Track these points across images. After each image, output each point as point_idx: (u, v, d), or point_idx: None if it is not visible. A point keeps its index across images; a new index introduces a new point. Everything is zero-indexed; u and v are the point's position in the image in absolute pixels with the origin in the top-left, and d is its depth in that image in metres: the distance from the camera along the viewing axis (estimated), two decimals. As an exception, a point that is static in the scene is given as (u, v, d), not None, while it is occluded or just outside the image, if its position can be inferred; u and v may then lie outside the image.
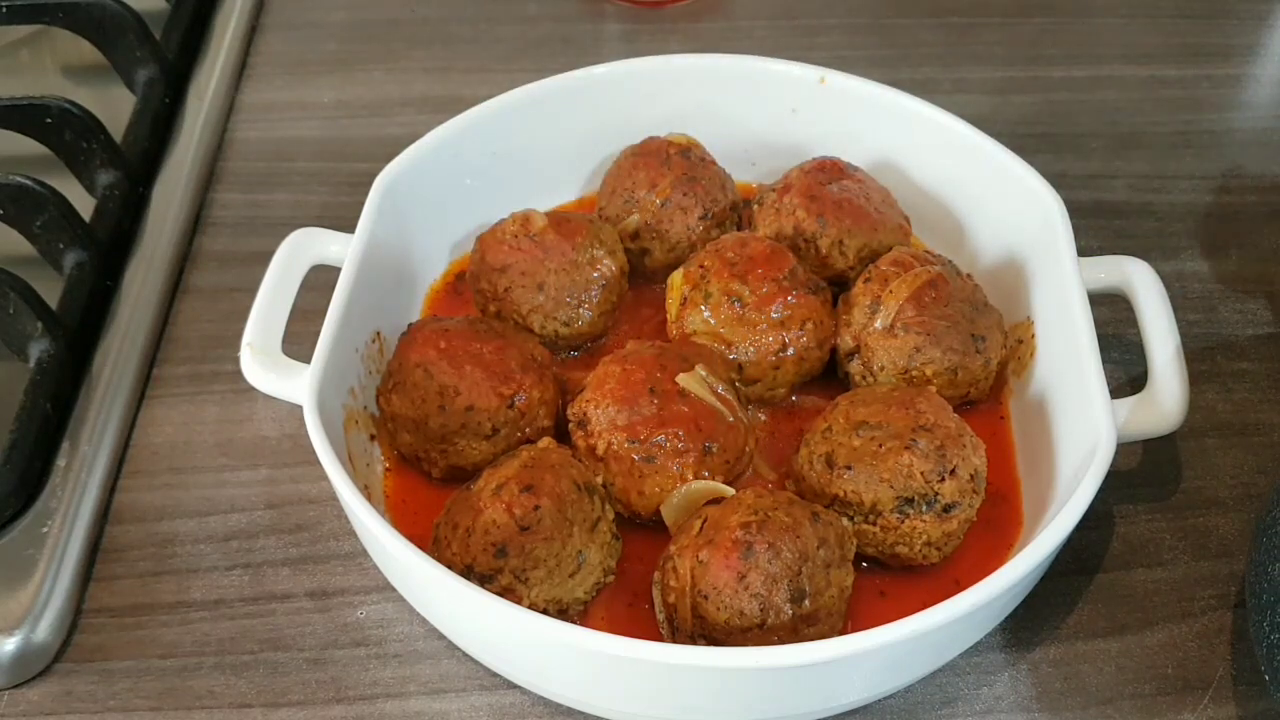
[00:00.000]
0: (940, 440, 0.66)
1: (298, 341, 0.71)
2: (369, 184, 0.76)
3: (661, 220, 0.80)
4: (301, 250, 0.75)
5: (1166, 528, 0.74)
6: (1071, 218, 0.75)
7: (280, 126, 1.00)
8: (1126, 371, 0.80)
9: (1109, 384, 0.67)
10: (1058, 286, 0.73)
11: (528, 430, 0.71)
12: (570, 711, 0.65)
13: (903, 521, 0.65)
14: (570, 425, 0.70)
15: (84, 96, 0.90)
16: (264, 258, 0.74)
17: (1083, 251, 0.74)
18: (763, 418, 0.76)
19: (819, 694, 0.61)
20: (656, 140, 0.83)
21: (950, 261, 0.77)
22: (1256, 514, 0.72)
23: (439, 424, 0.69)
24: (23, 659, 0.66)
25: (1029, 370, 0.75)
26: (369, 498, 0.63)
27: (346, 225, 0.75)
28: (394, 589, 0.68)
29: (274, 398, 0.70)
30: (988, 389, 0.75)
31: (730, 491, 0.67)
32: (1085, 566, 0.72)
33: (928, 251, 0.78)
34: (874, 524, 0.66)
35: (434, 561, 0.59)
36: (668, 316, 0.76)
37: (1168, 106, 1.03)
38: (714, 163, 0.84)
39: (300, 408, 0.65)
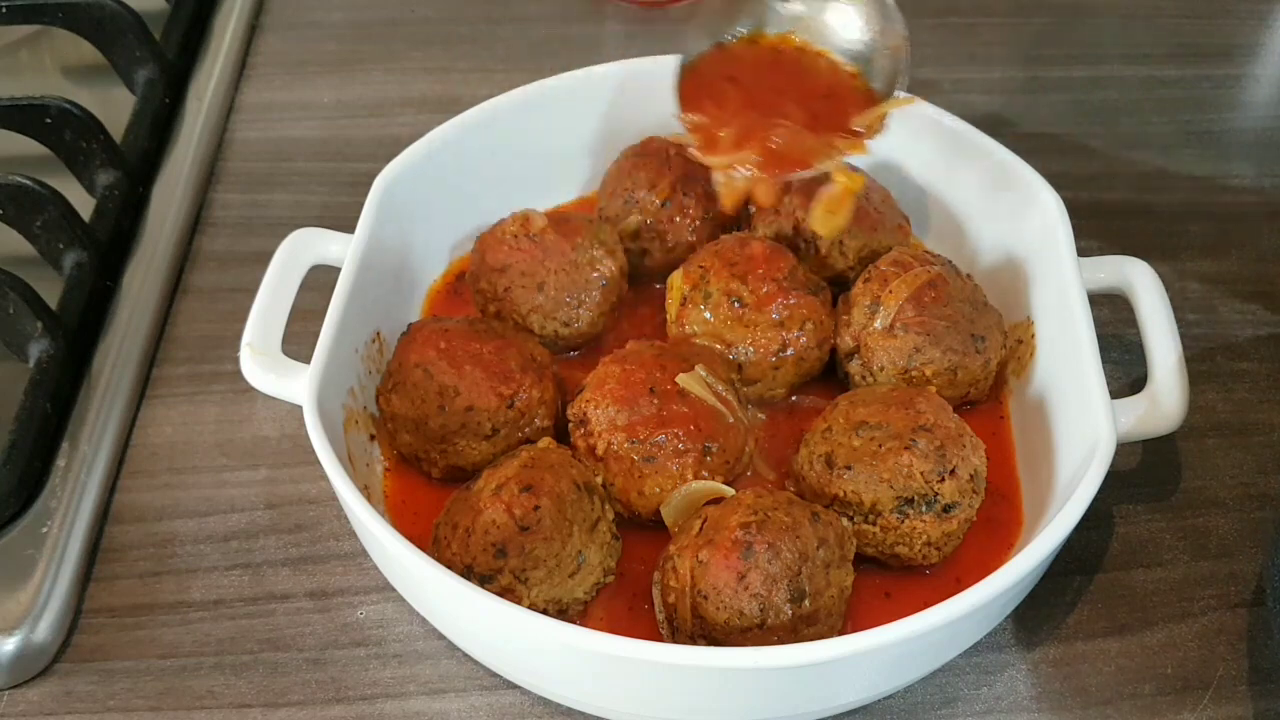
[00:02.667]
0: (940, 440, 0.66)
1: (298, 341, 0.71)
2: (369, 184, 0.76)
3: (661, 220, 0.80)
4: (301, 250, 0.75)
5: (1166, 528, 0.74)
6: (1071, 218, 0.75)
7: (280, 126, 1.00)
8: (1126, 371, 0.80)
9: (1109, 384, 0.67)
10: (1058, 286, 0.73)
11: (527, 430, 0.71)
12: (570, 711, 0.65)
13: (903, 521, 0.65)
14: (570, 425, 0.70)
15: (84, 96, 0.90)
16: (264, 258, 0.74)
17: (1083, 251, 0.74)
18: (763, 418, 0.76)
19: (819, 694, 0.61)
20: (656, 140, 0.83)
21: (950, 261, 0.77)
22: (1275, 509, 0.73)
23: (439, 424, 0.69)
24: (23, 659, 0.66)
25: (1029, 370, 0.75)
26: (369, 498, 0.63)
27: (346, 225, 0.75)
28: (394, 589, 0.68)
29: (274, 398, 0.70)
30: (987, 389, 0.75)
31: (730, 491, 0.67)
32: (1085, 566, 0.72)
33: (928, 251, 0.78)
34: (874, 524, 0.66)
35: (434, 562, 0.59)
36: (668, 316, 0.76)
37: (1168, 106, 1.03)
38: (714, 163, 0.83)
39: (300, 408, 0.65)
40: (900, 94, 0.74)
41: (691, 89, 0.75)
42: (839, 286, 0.78)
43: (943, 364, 0.72)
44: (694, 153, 0.73)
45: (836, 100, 0.74)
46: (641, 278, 0.82)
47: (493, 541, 0.62)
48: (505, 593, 0.62)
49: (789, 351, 0.74)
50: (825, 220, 0.74)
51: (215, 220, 0.92)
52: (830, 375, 0.77)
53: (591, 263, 0.77)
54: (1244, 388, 0.81)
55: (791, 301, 0.74)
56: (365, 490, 0.65)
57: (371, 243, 0.74)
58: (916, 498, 0.65)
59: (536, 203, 0.81)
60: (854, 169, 0.75)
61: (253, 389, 0.70)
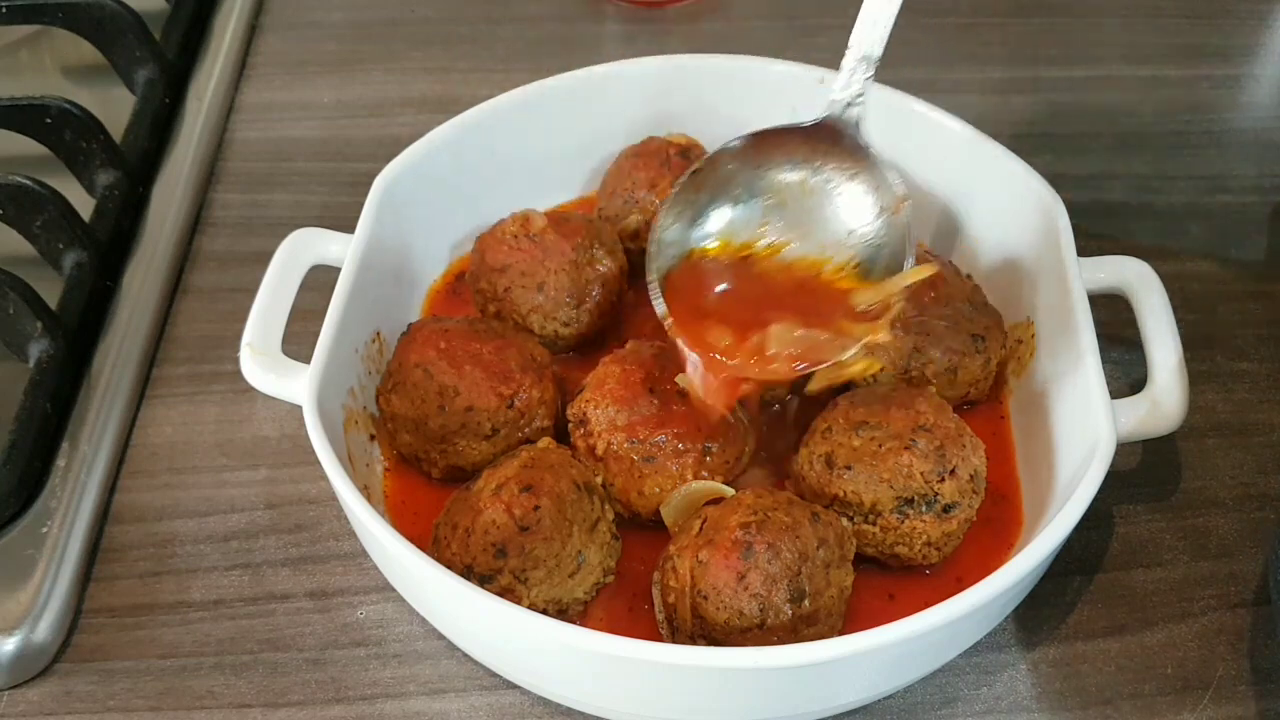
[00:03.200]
0: (940, 440, 0.66)
1: (298, 341, 0.71)
2: (369, 184, 0.76)
3: (662, 220, 0.80)
4: (301, 250, 0.75)
5: (1166, 528, 0.74)
6: (1071, 218, 0.75)
7: (280, 126, 1.00)
8: (1126, 371, 0.80)
9: (1109, 384, 0.67)
10: (1058, 286, 0.73)
11: (527, 430, 0.71)
12: (570, 711, 0.65)
13: (902, 522, 0.65)
14: (570, 425, 0.70)
15: (84, 96, 0.90)
16: (264, 258, 0.74)
17: (1083, 251, 0.74)
18: (763, 418, 0.75)
19: (819, 694, 0.61)
20: (656, 140, 0.83)
21: (950, 261, 0.77)
22: (1276, 509, 0.73)
23: (439, 424, 0.69)
24: (23, 659, 0.66)
25: (1029, 370, 0.75)
26: (369, 498, 0.63)
27: (346, 225, 0.75)
28: (394, 589, 0.68)
29: (274, 398, 0.70)
30: (987, 389, 0.75)
31: (730, 491, 0.67)
32: (1085, 566, 0.72)
33: (928, 251, 0.78)
34: (874, 524, 0.66)
35: (434, 562, 0.59)
36: (668, 316, 0.76)
37: (1168, 106, 1.03)
38: (714, 163, 0.83)
39: (300, 408, 0.65)
40: (910, 264, 0.67)
41: (678, 308, 0.67)
42: (839, 286, 0.78)
43: (943, 364, 0.72)
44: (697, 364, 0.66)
45: (822, 290, 0.68)
46: (641, 278, 0.82)
47: (493, 541, 0.62)
48: (505, 593, 0.62)
49: (789, 351, 0.73)
50: None
51: (215, 220, 0.92)
52: (830, 375, 0.77)
53: (591, 263, 0.77)
54: (1244, 388, 0.81)
55: (791, 301, 0.73)
56: (365, 490, 0.65)
57: (371, 243, 0.74)
58: (916, 498, 0.65)
59: (536, 203, 0.81)
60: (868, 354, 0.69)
61: (253, 389, 0.70)
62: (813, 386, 0.71)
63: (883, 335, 0.66)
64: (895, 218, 0.68)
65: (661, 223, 0.69)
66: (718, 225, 0.70)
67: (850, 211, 0.69)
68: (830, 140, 0.69)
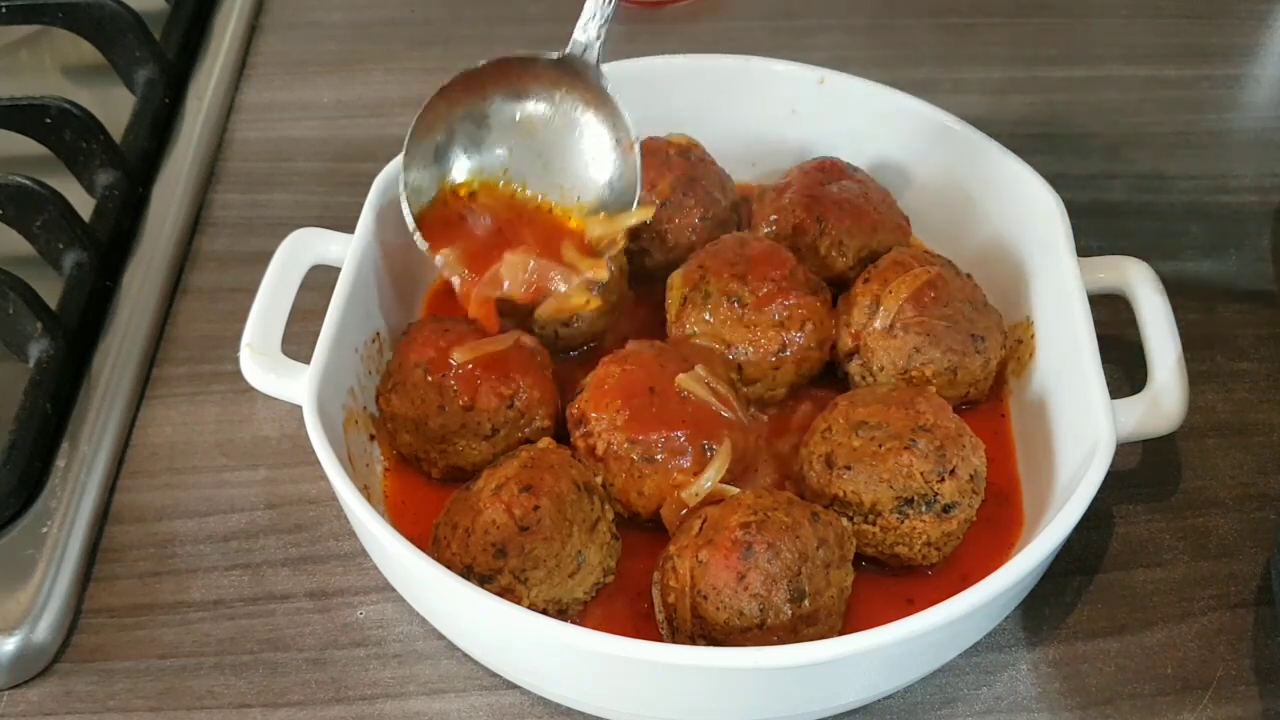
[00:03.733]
0: (940, 440, 0.66)
1: (298, 341, 0.71)
2: (369, 184, 0.76)
3: (661, 220, 0.80)
4: (301, 250, 0.75)
5: (1166, 528, 0.74)
6: (1071, 218, 0.75)
7: (280, 126, 1.00)
8: (1126, 371, 0.80)
9: (1109, 384, 0.67)
10: (1058, 286, 0.73)
11: (527, 430, 0.71)
12: (570, 711, 0.65)
13: (902, 522, 0.65)
14: (570, 425, 0.70)
15: (84, 96, 0.90)
16: (264, 258, 0.74)
17: (1083, 251, 0.74)
18: (763, 418, 0.76)
19: (819, 694, 0.61)
20: (656, 140, 0.83)
21: (950, 261, 0.77)
22: (1276, 509, 0.73)
23: (439, 424, 0.69)
24: (22, 659, 0.66)
25: (1029, 370, 0.75)
26: (369, 498, 0.63)
27: (346, 225, 0.75)
28: (394, 589, 0.68)
29: (274, 398, 0.70)
30: (987, 389, 0.75)
31: (732, 491, 0.67)
32: (1085, 566, 0.72)
33: (927, 251, 0.78)
34: (874, 524, 0.66)
35: (434, 562, 0.59)
36: (668, 316, 0.76)
37: (1168, 106, 1.03)
38: (714, 163, 0.83)
39: (300, 408, 0.65)
40: (635, 208, 0.72)
41: (433, 234, 0.72)
42: (839, 286, 0.78)
43: (943, 364, 0.72)
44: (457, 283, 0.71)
45: (558, 223, 0.73)
46: (641, 278, 0.82)
47: (493, 541, 0.62)
48: (505, 593, 0.62)
49: (789, 352, 0.73)
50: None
51: (215, 220, 0.92)
52: (830, 375, 0.77)
53: (591, 263, 0.77)
54: (1244, 388, 0.81)
55: (791, 302, 0.74)
56: (365, 490, 0.65)
57: (371, 243, 0.74)
58: (916, 498, 0.65)
59: (536, 203, 0.81)
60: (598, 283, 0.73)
61: (253, 389, 0.70)
62: (541, 313, 0.74)
63: (602, 272, 0.71)
64: (629, 156, 0.72)
65: (410, 137, 0.72)
66: (466, 149, 0.74)
67: (589, 145, 0.73)
68: (573, 75, 0.72)
